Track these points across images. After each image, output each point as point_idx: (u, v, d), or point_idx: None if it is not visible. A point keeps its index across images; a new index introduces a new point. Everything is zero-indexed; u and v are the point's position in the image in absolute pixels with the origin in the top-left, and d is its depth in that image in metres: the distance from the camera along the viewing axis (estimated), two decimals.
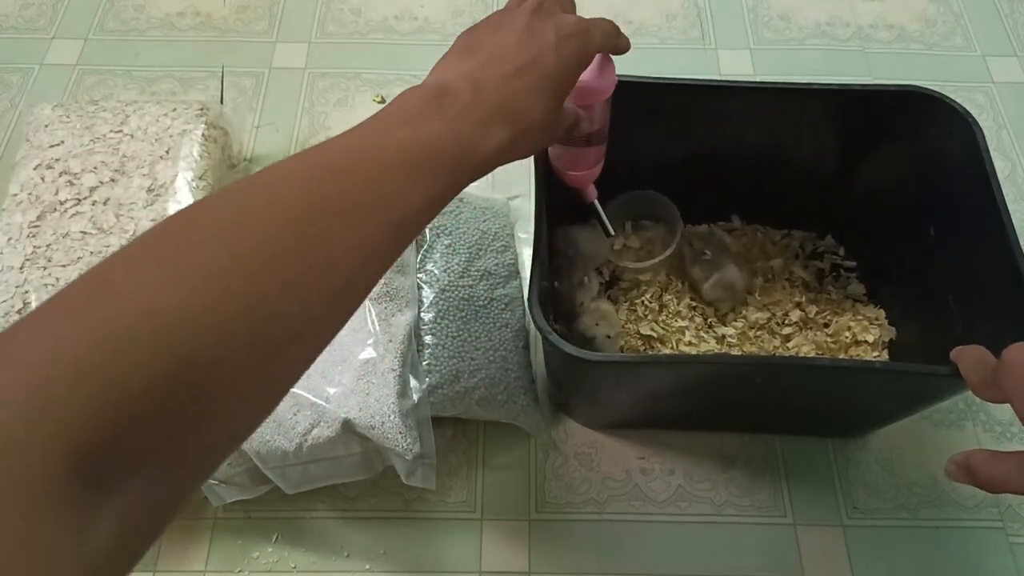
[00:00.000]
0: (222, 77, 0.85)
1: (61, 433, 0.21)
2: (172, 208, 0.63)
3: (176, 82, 0.85)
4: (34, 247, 0.60)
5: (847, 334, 0.66)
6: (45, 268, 0.59)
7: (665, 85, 0.58)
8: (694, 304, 0.68)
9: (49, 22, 0.89)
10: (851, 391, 0.57)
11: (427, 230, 0.65)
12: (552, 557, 0.59)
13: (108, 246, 0.61)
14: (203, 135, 0.68)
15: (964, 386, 0.46)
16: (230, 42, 0.88)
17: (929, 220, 0.60)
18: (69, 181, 0.64)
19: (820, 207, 0.69)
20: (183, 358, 0.24)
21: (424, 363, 0.59)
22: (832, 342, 0.66)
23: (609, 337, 0.64)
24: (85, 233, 0.61)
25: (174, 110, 0.69)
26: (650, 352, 0.65)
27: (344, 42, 0.88)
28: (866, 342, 0.66)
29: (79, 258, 0.60)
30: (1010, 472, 0.39)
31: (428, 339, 0.60)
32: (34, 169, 0.64)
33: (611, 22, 0.43)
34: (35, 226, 0.61)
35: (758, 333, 0.67)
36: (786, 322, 0.68)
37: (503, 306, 0.64)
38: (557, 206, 0.55)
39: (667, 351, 0.66)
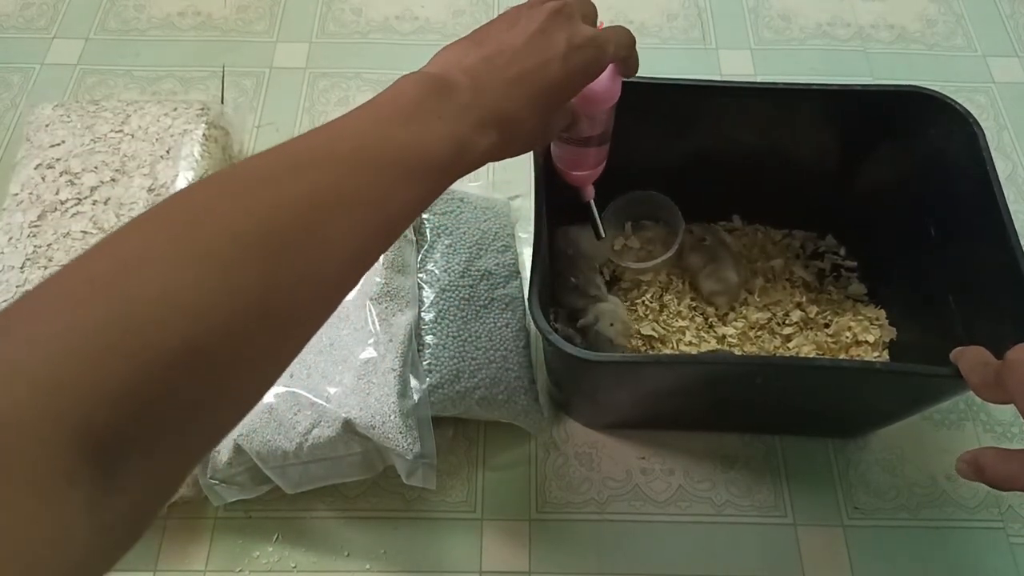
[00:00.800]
0: (223, 77, 0.85)
1: (73, 412, 0.22)
2: None
3: (177, 82, 0.85)
4: (35, 247, 0.60)
5: (848, 334, 0.66)
6: (46, 268, 0.59)
7: (666, 85, 0.58)
8: (695, 304, 0.68)
9: (50, 22, 0.89)
10: (851, 391, 0.57)
11: (428, 230, 0.65)
12: (552, 557, 0.59)
13: None
14: (204, 135, 0.68)
15: (964, 387, 0.46)
16: (231, 42, 0.88)
17: (930, 220, 0.60)
18: (70, 181, 0.64)
19: (821, 207, 0.69)
20: (194, 339, 0.24)
21: (424, 363, 0.59)
22: (833, 342, 0.66)
23: (612, 337, 0.64)
24: (86, 233, 0.61)
25: (175, 110, 0.69)
26: (651, 352, 0.65)
27: (345, 42, 0.88)
28: (867, 342, 0.66)
29: None
30: (1018, 470, 0.39)
31: (429, 339, 0.60)
32: (35, 169, 0.64)
33: (628, 33, 0.42)
34: (36, 226, 0.61)
35: (759, 333, 0.67)
36: (787, 322, 0.68)
37: (503, 306, 0.64)
38: (557, 206, 0.55)
39: (668, 351, 0.66)
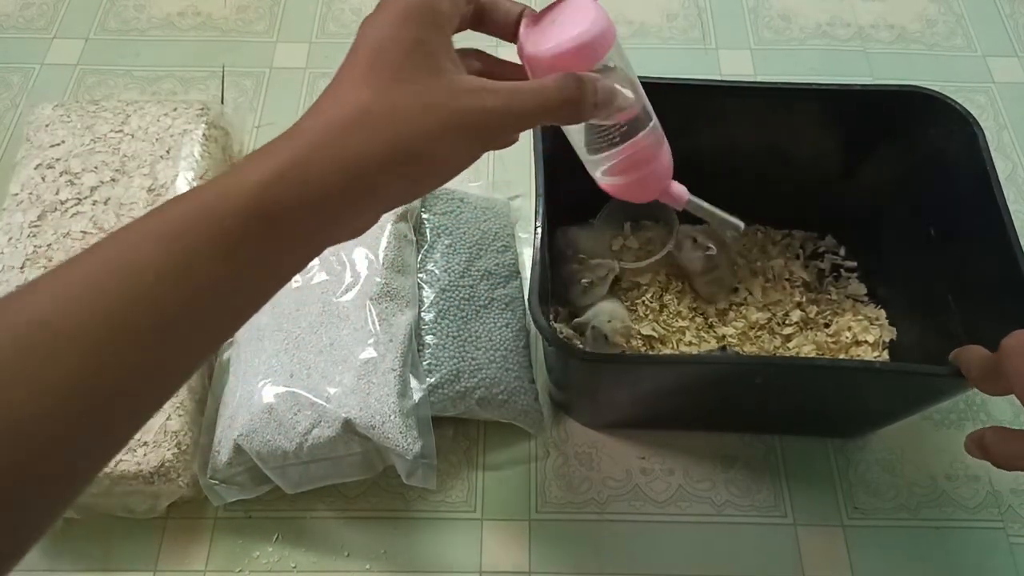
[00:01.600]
0: (223, 77, 0.85)
1: None
2: None
3: (177, 82, 0.85)
4: (35, 247, 0.60)
5: (847, 334, 0.66)
6: (46, 268, 0.59)
7: (666, 85, 0.58)
8: (695, 304, 0.68)
9: (50, 22, 0.89)
10: (851, 391, 0.57)
11: (428, 230, 0.65)
12: (552, 557, 0.59)
13: None
14: (204, 135, 0.68)
15: (965, 386, 0.46)
16: (231, 42, 0.88)
17: (929, 220, 0.60)
18: (70, 181, 0.64)
19: (821, 207, 0.69)
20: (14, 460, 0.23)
21: (424, 363, 0.59)
22: (832, 342, 0.66)
23: (610, 336, 0.64)
24: (86, 233, 0.61)
25: (175, 110, 0.69)
26: (651, 352, 0.65)
27: (345, 42, 0.87)
28: (866, 342, 0.66)
29: None
30: (1020, 450, 0.40)
31: (429, 339, 0.60)
32: (35, 169, 0.64)
33: None
34: (36, 226, 0.61)
35: (759, 333, 0.67)
36: (786, 322, 0.68)
37: (503, 306, 0.64)
38: (557, 206, 0.55)
39: (668, 351, 0.66)
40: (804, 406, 0.61)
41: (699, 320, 0.68)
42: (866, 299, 0.69)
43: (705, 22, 0.91)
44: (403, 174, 0.30)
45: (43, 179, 0.64)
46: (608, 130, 0.38)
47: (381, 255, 0.60)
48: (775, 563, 0.59)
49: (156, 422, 0.55)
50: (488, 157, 0.78)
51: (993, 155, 0.54)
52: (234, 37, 0.88)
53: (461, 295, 0.62)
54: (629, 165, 0.39)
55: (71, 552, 0.58)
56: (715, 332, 0.67)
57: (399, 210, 0.63)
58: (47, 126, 0.67)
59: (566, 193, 0.54)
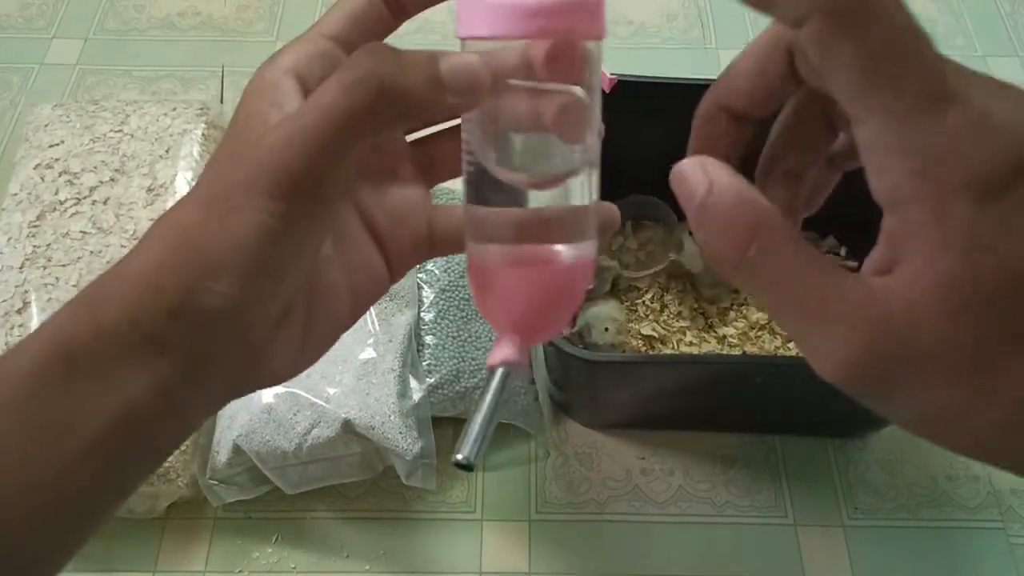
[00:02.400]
0: (222, 77, 0.84)
1: None
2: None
3: (176, 82, 0.85)
4: (34, 247, 0.60)
5: None
6: (45, 268, 0.59)
7: (665, 85, 0.58)
8: (695, 305, 0.68)
9: (49, 22, 0.89)
10: None
11: None
12: (552, 557, 0.59)
13: (108, 245, 0.61)
14: (203, 135, 0.68)
15: None
16: (230, 42, 0.88)
17: None
18: (69, 181, 0.64)
19: (821, 207, 0.69)
20: None
21: (424, 363, 0.59)
22: None
23: (609, 337, 0.64)
24: (85, 233, 0.61)
25: (174, 110, 0.69)
26: (651, 352, 0.65)
27: None
28: None
29: (79, 258, 0.60)
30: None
31: (428, 339, 0.60)
32: (34, 169, 0.64)
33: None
34: (35, 226, 0.61)
35: (759, 333, 0.67)
36: None
37: None
38: None
39: (668, 351, 0.65)
40: (804, 406, 0.61)
41: (699, 320, 0.68)
42: None
43: (705, 22, 0.91)
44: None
45: (42, 179, 0.64)
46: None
47: None
48: (775, 563, 0.59)
49: None
50: None
51: None
52: (234, 37, 0.88)
53: (461, 295, 0.62)
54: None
55: None
56: (715, 332, 0.67)
57: None
58: (46, 126, 0.67)
59: None
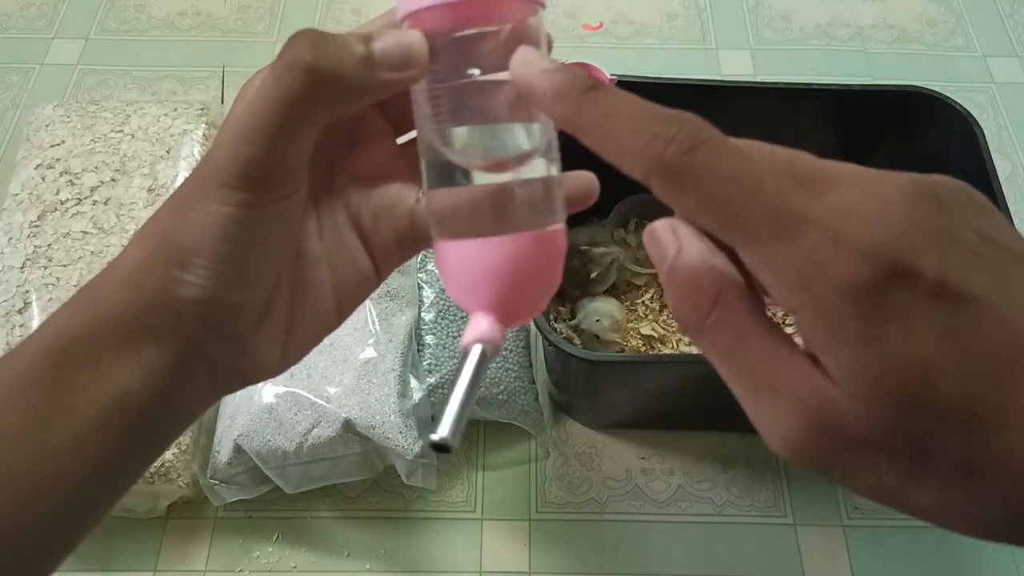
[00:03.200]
0: (223, 77, 0.85)
1: None
2: None
3: (177, 82, 0.85)
4: (35, 247, 0.60)
5: None
6: (46, 268, 0.60)
7: (665, 85, 0.58)
8: None
9: (50, 22, 0.89)
10: None
11: None
12: (552, 557, 0.59)
13: (109, 246, 0.61)
14: (204, 135, 0.68)
15: None
16: (231, 42, 0.88)
17: None
18: (70, 181, 0.64)
19: None
20: None
21: (425, 363, 0.59)
22: None
23: (608, 338, 0.64)
24: (86, 233, 0.61)
25: (175, 110, 0.69)
26: (651, 352, 0.65)
27: None
28: None
29: (80, 258, 0.60)
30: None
31: (429, 339, 0.60)
32: (35, 169, 0.64)
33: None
34: (36, 226, 0.62)
35: None
36: (787, 322, 0.68)
37: None
38: None
39: (668, 351, 0.66)
40: None
41: None
42: None
43: (705, 22, 0.91)
44: None
45: (43, 179, 0.64)
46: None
47: None
48: (775, 563, 0.59)
49: None
50: None
51: (993, 155, 0.54)
52: (234, 37, 0.88)
53: None
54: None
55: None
56: None
57: None
58: (47, 126, 0.67)
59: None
